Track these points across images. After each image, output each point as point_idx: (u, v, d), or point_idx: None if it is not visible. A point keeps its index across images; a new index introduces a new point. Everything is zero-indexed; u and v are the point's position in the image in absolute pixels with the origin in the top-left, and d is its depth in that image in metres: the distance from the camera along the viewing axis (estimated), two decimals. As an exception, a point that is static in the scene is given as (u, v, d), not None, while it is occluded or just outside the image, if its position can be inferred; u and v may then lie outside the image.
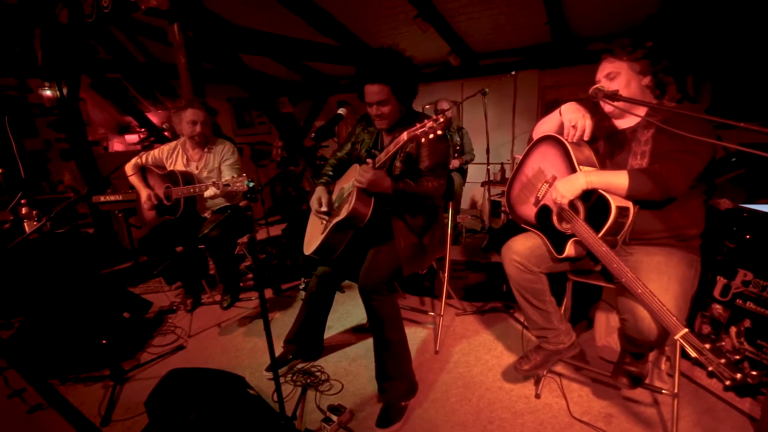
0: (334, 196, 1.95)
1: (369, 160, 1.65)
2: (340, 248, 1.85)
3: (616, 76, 1.42)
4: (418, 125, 1.44)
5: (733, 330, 1.68)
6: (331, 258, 1.91)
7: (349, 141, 1.99)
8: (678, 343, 1.47)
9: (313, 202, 1.89)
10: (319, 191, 1.91)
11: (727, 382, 1.01)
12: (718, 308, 1.73)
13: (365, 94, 1.69)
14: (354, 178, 1.67)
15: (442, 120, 1.39)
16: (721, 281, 1.72)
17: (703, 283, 1.75)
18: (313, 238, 1.94)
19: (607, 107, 1.47)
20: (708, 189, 1.48)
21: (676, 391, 1.50)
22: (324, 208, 1.85)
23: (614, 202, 1.31)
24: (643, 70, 1.40)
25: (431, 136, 1.42)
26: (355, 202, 1.66)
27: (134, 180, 2.63)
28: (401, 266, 1.73)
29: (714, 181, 1.57)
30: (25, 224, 2.86)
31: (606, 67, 1.45)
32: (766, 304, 1.57)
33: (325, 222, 1.88)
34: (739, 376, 1.00)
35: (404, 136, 1.50)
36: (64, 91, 3.71)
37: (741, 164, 2.20)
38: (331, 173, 2.01)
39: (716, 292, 1.73)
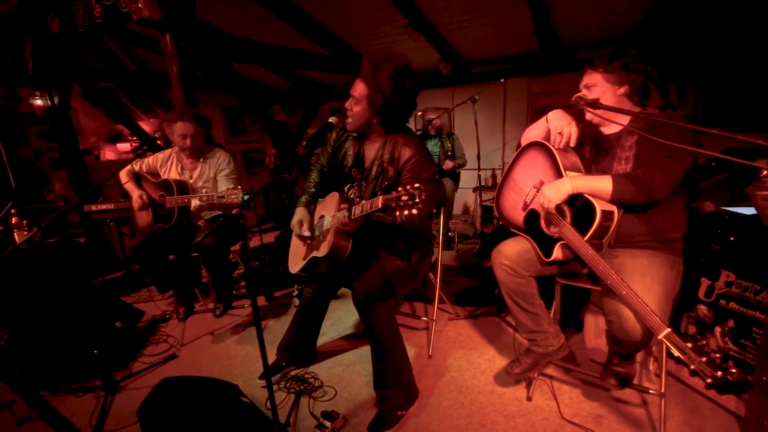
0: (315, 220, 1.93)
1: (346, 210, 1.60)
2: (323, 273, 1.87)
3: (592, 87, 1.49)
4: (394, 194, 1.33)
5: (717, 330, 1.72)
6: (315, 278, 1.93)
7: (326, 152, 1.94)
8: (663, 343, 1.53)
9: (294, 225, 1.88)
10: (300, 213, 1.90)
11: (708, 380, 1.04)
12: (702, 309, 1.77)
13: (353, 84, 1.65)
14: (334, 222, 1.66)
15: (418, 200, 1.28)
16: (705, 282, 1.77)
17: (688, 285, 1.80)
18: (297, 257, 1.95)
19: (588, 114, 1.52)
20: (690, 193, 1.52)
21: (663, 391, 1.53)
22: (306, 233, 1.84)
23: (599, 206, 1.35)
24: (618, 80, 1.46)
25: (406, 212, 1.30)
26: (335, 239, 1.66)
27: (128, 186, 2.62)
28: (394, 284, 1.71)
29: (696, 185, 1.61)
30: (15, 234, 2.83)
31: (585, 79, 1.53)
32: (749, 304, 1.62)
33: (307, 244, 1.88)
34: (719, 373, 1.03)
35: (379, 203, 1.40)
36: (55, 100, 3.70)
37: (723, 168, 2.26)
38: (313, 191, 1.97)
39: (701, 293, 1.78)
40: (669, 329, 1.14)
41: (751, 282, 1.61)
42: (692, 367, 1.07)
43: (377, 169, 1.72)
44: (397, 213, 1.32)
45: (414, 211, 1.29)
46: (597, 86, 1.48)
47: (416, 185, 1.29)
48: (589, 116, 1.52)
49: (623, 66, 1.43)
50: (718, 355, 1.06)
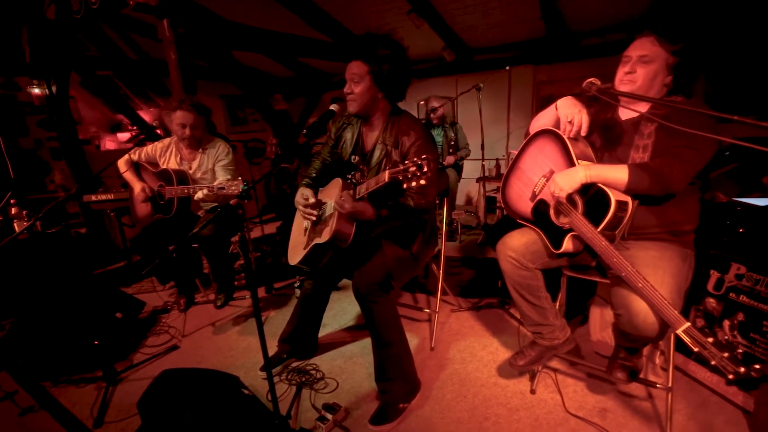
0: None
1: (349, 190, 1.60)
2: (323, 261, 1.83)
3: (650, 62, 1.35)
4: (401, 167, 1.33)
5: (726, 323, 1.68)
6: (316, 269, 1.89)
7: (327, 144, 1.92)
8: (672, 337, 1.50)
9: (299, 200, 1.83)
10: (302, 189, 1.86)
11: (730, 376, 0.99)
12: (711, 302, 1.74)
13: (346, 70, 1.63)
14: (335, 201, 1.62)
15: (426, 170, 1.29)
16: (714, 275, 1.72)
17: (697, 277, 1.76)
18: (298, 247, 1.91)
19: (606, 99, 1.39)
20: (703, 184, 1.47)
21: (670, 385, 1.50)
22: (312, 200, 1.78)
23: (614, 196, 1.29)
24: (671, 69, 1.35)
25: (414, 183, 1.32)
26: (337, 225, 1.62)
27: (128, 176, 2.58)
28: (394, 274, 1.69)
29: (708, 175, 1.56)
30: (15, 224, 2.82)
31: (645, 46, 1.35)
32: (759, 297, 1.58)
33: (308, 234, 1.84)
34: (742, 369, 0.98)
35: (386, 176, 1.40)
36: (53, 89, 3.65)
37: (734, 158, 2.21)
38: (314, 176, 1.95)
39: (710, 286, 1.74)
40: (688, 323, 1.09)
41: (762, 275, 1.57)
42: (713, 362, 1.02)
43: (381, 153, 1.69)
44: (405, 186, 1.32)
45: (422, 182, 1.30)
46: (655, 63, 1.34)
47: (423, 156, 1.30)
48: (621, 100, 1.43)
49: (683, 52, 1.31)
50: (740, 351, 1.01)
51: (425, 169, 1.29)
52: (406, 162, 1.33)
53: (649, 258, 1.32)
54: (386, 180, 1.40)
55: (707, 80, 3.24)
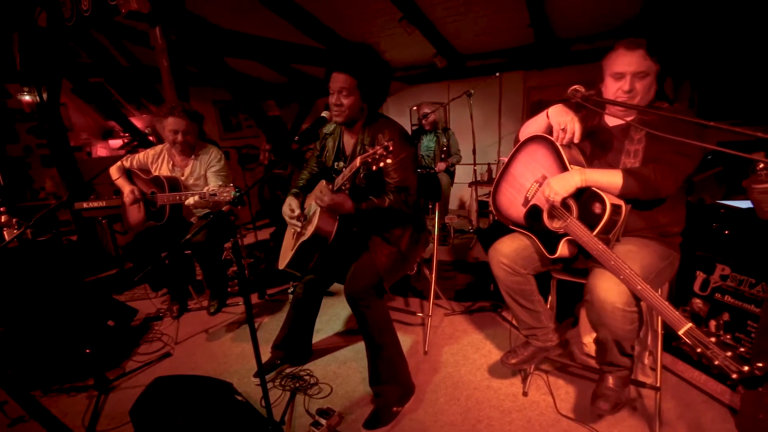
0: (304, 210, 1.95)
1: (329, 184, 1.68)
2: (312, 263, 1.86)
3: (645, 77, 1.36)
4: (370, 151, 1.45)
5: (712, 323, 1.72)
6: (305, 271, 1.92)
7: (314, 154, 1.98)
8: (660, 337, 1.52)
9: (285, 211, 1.88)
10: (289, 200, 1.91)
11: (735, 375, 0.99)
12: (698, 302, 1.77)
13: (330, 81, 1.66)
14: (315, 195, 1.68)
15: (392, 149, 1.41)
16: (700, 276, 1.76)
17: (684, 278, 1.79)
18: (287, 251, 1.94)
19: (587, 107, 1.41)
20: (688, 187, 1.51)
21: (658, 384, 1.53)
22: (296, 212, 1.83)
23: (608, 200, 1.30)
24: (658, 78, 1.38)
25: (381, 164, 1.44)
26: (319, 221, 1.68)
27: (120, 182, 2.58)
28: (385, 275, 1.72)
29: (691, 179, 1.59)
30: (5, 232, 2.79)
31: (638, 62, 1.35)
32: (744, 297, 1.61)
33: (296, 238, 1.87)
34: (746, 368, 0.97)
35: (357, 162, 1.52)
36: (44, 96, 3.64)
37: (718, 162, 2.26)
38: (302, 185, 2.01)
39: (696, 287, 1.77)
40: (690, 324, 1.07)
41: (746, 275, 1.61)
42: (716, 362, 1.02)
43: (359, 152, 1.74)
44: (374, 167, 1.44)
45: (389, 161, 1.43)
46: (650, 77, 1.35)
47: (388, 140, 1.45)
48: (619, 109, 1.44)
49: (664, 60, 1.34)
50: (742, 349, 1.00)
51: (391, 149, 1.40)
52: (375, 146, 1.45)
53: (625, 252, 1.33)
54: (357, 165, 1.51)
55: (692, 86, 3.31)
